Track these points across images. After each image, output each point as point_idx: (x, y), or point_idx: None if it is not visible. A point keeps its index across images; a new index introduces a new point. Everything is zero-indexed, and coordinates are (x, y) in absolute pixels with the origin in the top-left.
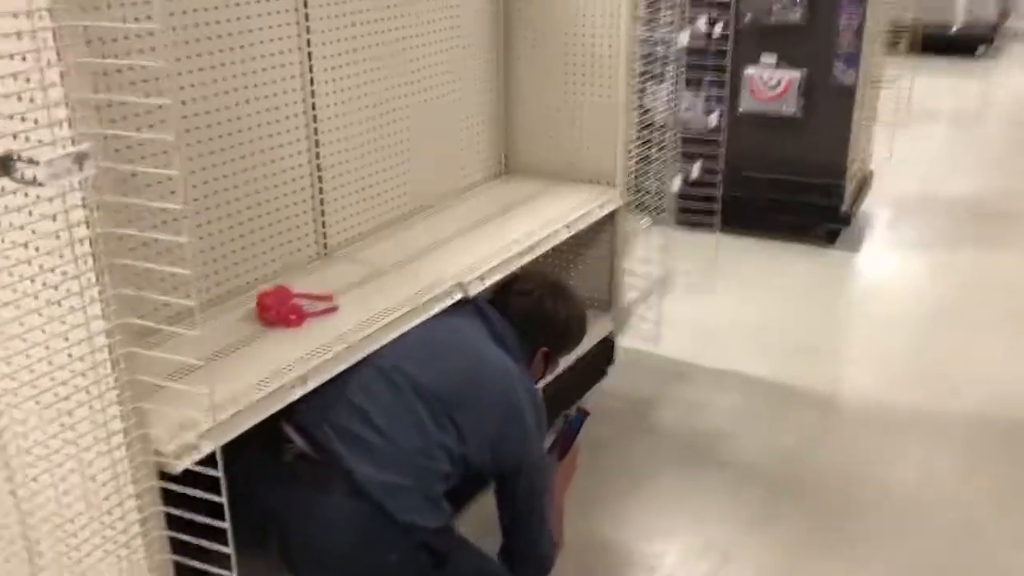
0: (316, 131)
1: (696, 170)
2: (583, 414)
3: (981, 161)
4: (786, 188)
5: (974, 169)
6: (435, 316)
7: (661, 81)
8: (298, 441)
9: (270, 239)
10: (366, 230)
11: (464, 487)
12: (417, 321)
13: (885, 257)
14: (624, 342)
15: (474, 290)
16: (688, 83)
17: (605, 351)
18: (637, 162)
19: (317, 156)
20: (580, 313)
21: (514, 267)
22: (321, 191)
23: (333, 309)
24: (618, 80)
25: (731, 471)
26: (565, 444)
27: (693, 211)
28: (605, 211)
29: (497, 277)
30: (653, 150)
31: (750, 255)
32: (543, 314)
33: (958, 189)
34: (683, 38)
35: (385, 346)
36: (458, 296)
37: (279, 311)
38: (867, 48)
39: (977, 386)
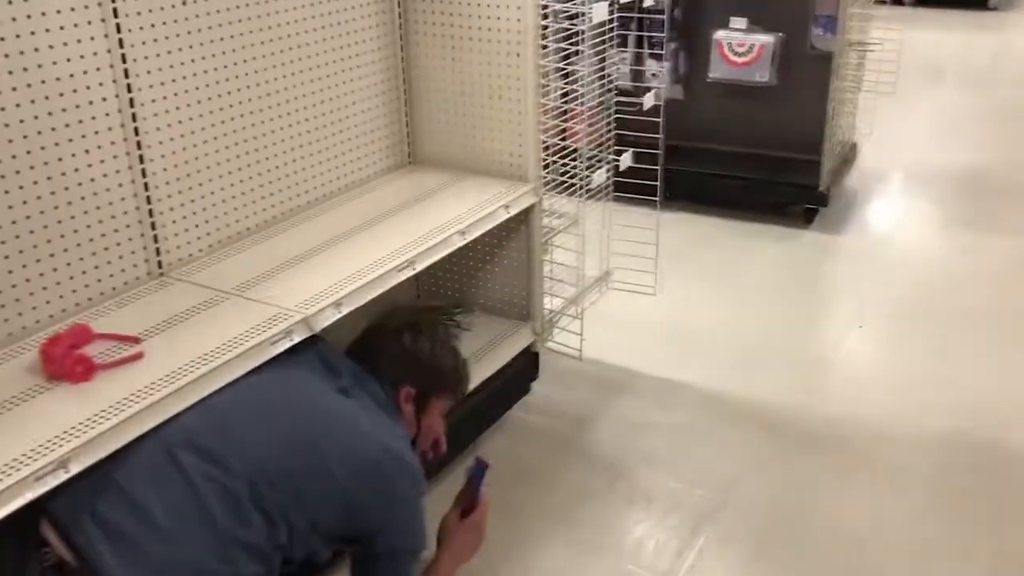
0: (136, 128)
1: (627, 160)
2: (483, 466)
3: (985, 129)
4: (758, 164)
5: (976, 139)
6: (266, 367)
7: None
8: (55, 543)
9: (77, 262)
10: (217, 241)
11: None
12: (239, 372)
13: (863, 241)
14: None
15: (324, 322)
16: (653, 50)
17: (527, 364)
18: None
19: (140, 159)
20: (449, 344)
21: (390, 284)
22: (149, 200)
23: (137, 356)
24: (526, 61)
25: (662, 504)
26: (467, 503)
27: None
28: (511, 212)
29: (366, 298)
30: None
31: (715, 239)
32: (402, 348)
33: (955, 162)
34: (601, 9)
35: (186, 412)
36: (302, 336)
37: (62, 362)
38: (848, 9)
39: (950, 406)
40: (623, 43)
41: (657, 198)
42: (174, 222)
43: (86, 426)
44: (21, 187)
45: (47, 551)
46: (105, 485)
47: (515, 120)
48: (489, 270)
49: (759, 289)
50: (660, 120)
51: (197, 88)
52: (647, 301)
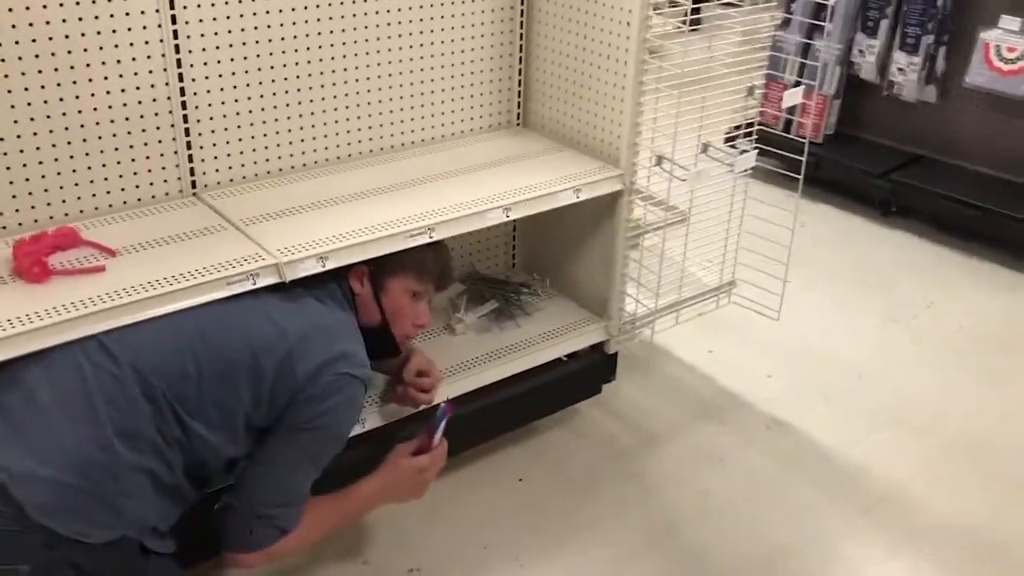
0: (177, 45)
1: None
2: (445, 411)
3: None
4: (1006, 192)
5: None
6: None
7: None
8: None
9: (114, 166)
10: (266, 171)
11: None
12: (183, 304)
13: None
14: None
15: (300, 272)
16: (906, 41)
17: (599, 363)
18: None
19: (180, 77)
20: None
21: (396, 247)
22: (186, 119)
23: (98, 269)
24: (630, 34)
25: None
26: (421, 443)
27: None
28: (581, 196)
29: (358, 256)
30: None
31: (923, 268)
32: None
33: None
34: None
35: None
36: (268, 281)
37: (22, 261)
38: None
39: None
40: (873, 30)
41: (793, 208)
42: (214, 145)
43: (7, 326)
44: (59, 84)
45: None
46: (10, 372)
47: (613, 99)
48: (578, 255)
49: (952, 343)
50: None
51: (252, 14)
52: (794, 321)
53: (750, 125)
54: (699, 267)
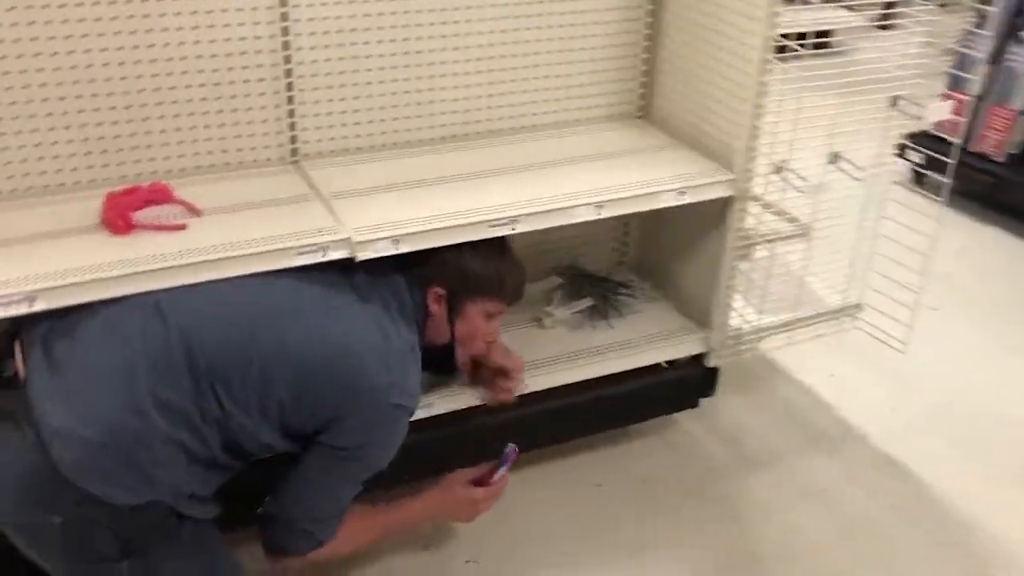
0: (286, 13)
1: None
2: (510, 454)
3: None
4: None
5: None
6: (282, 272)
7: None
8: (17, 358)
9: (216, 128)
10: (369, 145)
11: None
12: (248, 270)
13: None
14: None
15: (372, 252)
16: None
17: (697, 375)
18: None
19: (286, 43)
20: (500, 251)
21: (475, 236)
22: (291, 85)
23: (179, 227)
24: (754, 30)
25: None
26: (482, 476)
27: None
28: (686, 199)
29: (431, 243)
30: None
31: None
32: (438, 253)
33: None
34: None
35: (180, 289)
36: (338, 255)
37: (109, 213)
38: None
39: None
40: None
41: (931, 229)
42: (316, 115)
43: (79, 272)
44: (166, 44)
45: (8, 362)
46: (72, 321)
47: (734, 98)
48: (685, 260)
49: None
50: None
51: None
52: (932, 354)
53: (916, 136)
54: (822, 285)
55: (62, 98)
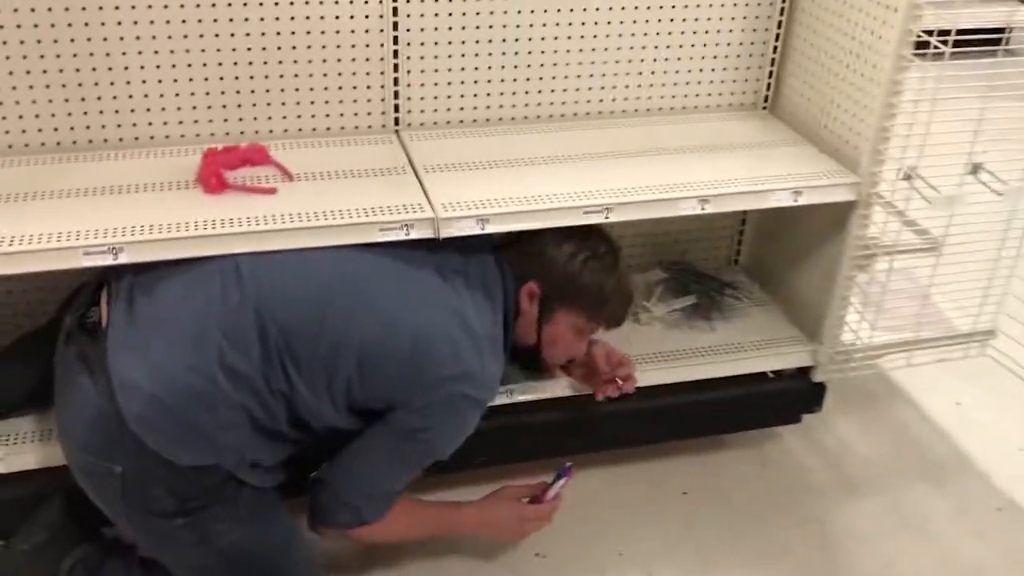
0: None
1: None
2: (565, 473)
3: None
4: None
5: None
6: (367, 246)
7: None
8: (102, 306)
9: (321, 91)
10: (472, 120)
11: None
12: (329, 242)
13: None
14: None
15: (456, 231)
16: None
17: (801, 389)
18: None
19: (395, 8)
20: (610, 266)
21: (557, 222)
22: (396, 53)
23: (269, 191)
24: (894, 31)
25: None
26: (537, 494)
27: None
28: (800, 200)
29: (518, 224)
30: None
31: None
32: (542, 248)
33: None
34: None
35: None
36: (421, 234)
37: (204, 171)
38: None
39: None
40: None
41: None
42: (422, 85)
43: (165, 228)
44: (277, 18)
45: (95, 309)
46: (155, 276)
47: (865, 94)
48: (800, 264)
49: None
50: None
51: None
52: None
53: None
54: (951, 306)
55: (172, 51)
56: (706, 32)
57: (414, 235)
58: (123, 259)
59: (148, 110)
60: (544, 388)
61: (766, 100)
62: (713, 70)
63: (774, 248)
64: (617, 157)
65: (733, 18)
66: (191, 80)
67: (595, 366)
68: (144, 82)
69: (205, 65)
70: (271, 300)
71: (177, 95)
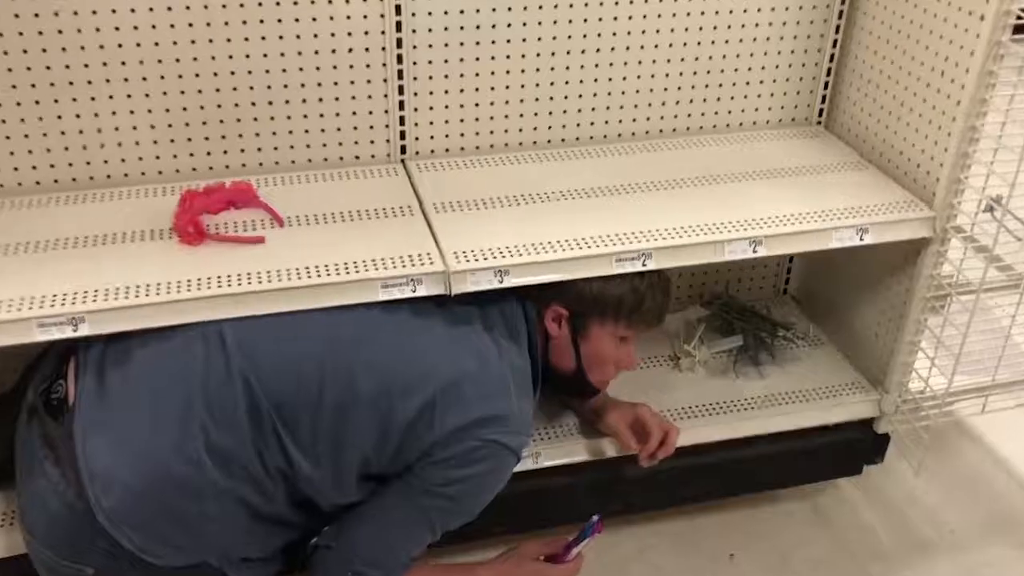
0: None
1: None
2: (592, 527)
3: None
4: None
5: None
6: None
7: None
8: (70, 382)
9: (317, 119)
10: (492, 143)
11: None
12: (332, 302)
13: None
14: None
15: (471, 286)
16: None
17: (862, 439)
18: None
19: (398, 23)
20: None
21: (588, 272)
22: (401, 73)
23: (256, 240)
24: (980, 41)
25: None
26: (559, 550)
27: None
28: (866, 239)
29: (542, 276)
30: None
31: None
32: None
33: None
34: None
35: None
36: (431, 291)
37: (183, 217)
38: None
39: None
40: None
41: None
42: (431, 108)
43: (133, 292)
44: (281, 36)
45: (61, 383)
46: (128, 345)
47: (942, 114)
48: (862, 301)
49: None
50: None
51: None
52: None
53: None
54: None
55: (144, 77)
56: (753, 40)
57: (422, 292)
58: (84, 331)
59: (120, 144)
60: (574, 450)
61: (820, 115)
62: (762, 82)
63: (830, 278)
64: (653, 188)
65: (784, 23)
66: (167, 111)
67: (645, 426)
68: (114, 113)
69: (183, 93)
70: (261, 368)
71: (153, 127)
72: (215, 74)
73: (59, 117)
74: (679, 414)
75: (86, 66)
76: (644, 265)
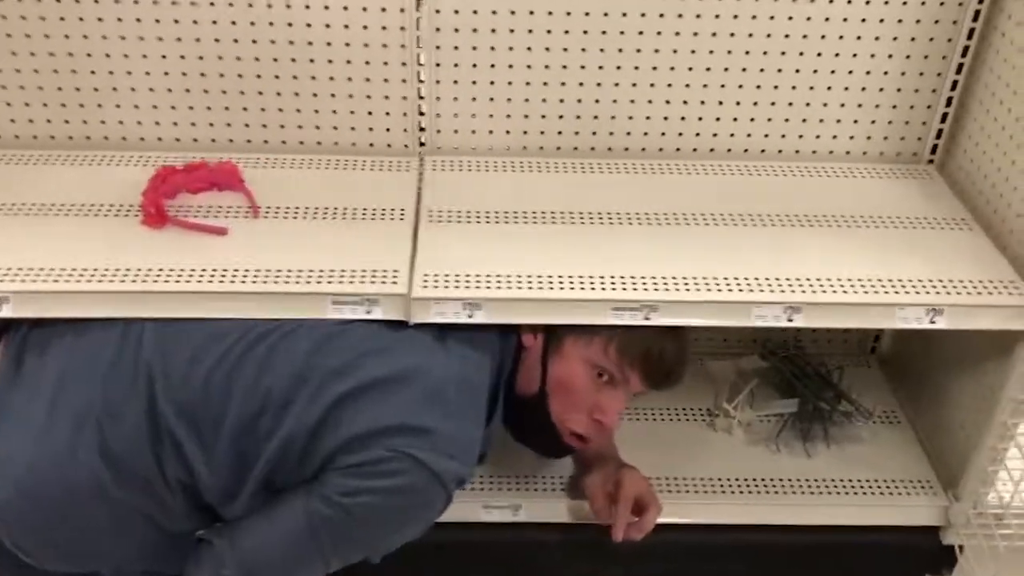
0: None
1: None
2: None
3: None
4: None
5: None
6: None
7: None
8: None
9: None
10: (525, 144)
11: None
12: (275, 314)
13: None
14: None
15: (435, 316)
16: None
17: (928, 549)
18: None
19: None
20: None
21: (593, 319)
22: (419, 57)
23: (219, 231)
24: None
25: None
26: None
27: None
28: (939, 324)
29: (526, 317)
30: None
31: None
32: None
33: None
34: None
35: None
36: (387, 315)
37: (148, 196)
38: None
39: None
40: None
41: None
42: (455, 99)
43: (64, 276)
44: (290, 24)
45: None
46: (55, 328)
47: None
48: (947, 386)
49: None
50: None
51: None
52: None
53: None
54: None
55: (160, 37)
56: (853, 55)
57: (377, 315)
58: (6, 312)
59: (118, 106)
60: (558, 509)
61: (933, 152)
62: (860, 105)
63: (927, 346)
64: (692, 220)
65: (895, 37)
66: (184, 74)
67: (620, 495)
68: (129, 73)
69: (202, 58)
70: (171, 368)
71: (170, 90)
72: (235, 40)
73: (73, 71)
74: (704, 484)
75: (100, 20)
76: (647, 319)
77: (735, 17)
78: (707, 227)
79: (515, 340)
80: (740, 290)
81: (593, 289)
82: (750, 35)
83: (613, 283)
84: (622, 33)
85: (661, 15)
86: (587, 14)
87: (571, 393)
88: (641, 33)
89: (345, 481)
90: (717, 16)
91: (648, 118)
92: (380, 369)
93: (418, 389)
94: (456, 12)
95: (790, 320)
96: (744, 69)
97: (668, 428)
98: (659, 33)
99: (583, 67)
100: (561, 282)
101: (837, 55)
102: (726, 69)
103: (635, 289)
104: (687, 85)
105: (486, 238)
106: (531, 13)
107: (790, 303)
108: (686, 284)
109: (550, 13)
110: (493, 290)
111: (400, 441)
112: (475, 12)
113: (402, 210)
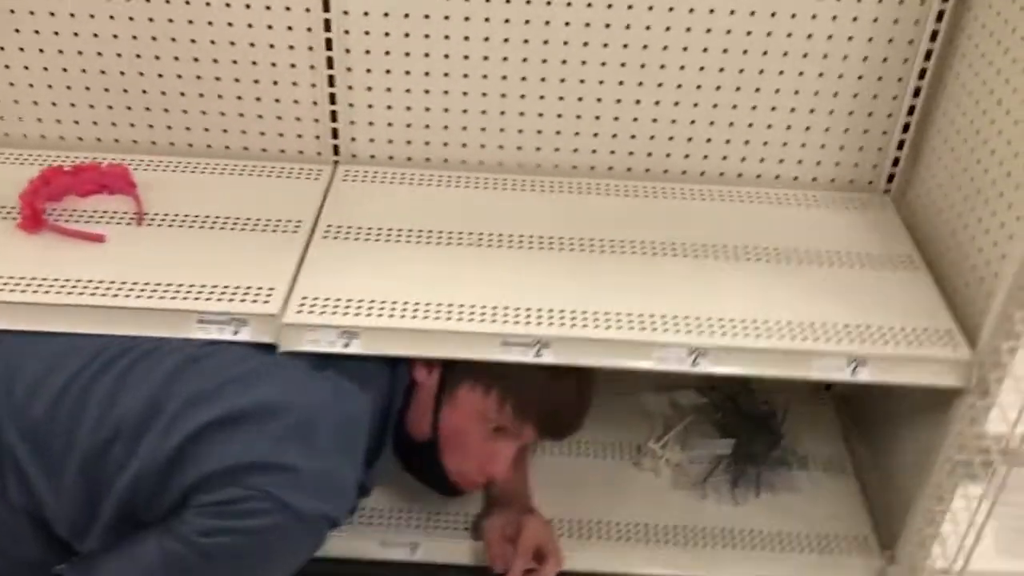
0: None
1: None
2: None
3: None
4: None
5: None
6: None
7: None
8: None
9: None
10: (445, 157)
11: None
12: (139, 332)
13: None
14: None
15: (307, 344)
16: None
17: None
18: None
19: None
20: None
21: (483, 354)
22: (330, 61)
23: (96, 238)
24: None
25: None
26: None
27: None
28: (858, 375)
29: (401, 351)
30: None
31: None
32: None
33: None
34: None
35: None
36: (257, 338)
37: (25, 198)
38: None
39: None
40: None
41: None
42: (370, 106)
43: None
44: (191, 21)
45: None
46: None
47: (1009, 215)
48: (892, 438)
49: None
50: None
51: None
52: None
53: None
54: None
55: (56, 32)
56: (799, 74)
57: (245, 337)
58: None
59: (17, 102)
60: (458, 550)
61: (890, 181)
62: (808, 128)
63: (880, 390)
64: (607, 249)
65: (845, 56)
66: (84, 71)
67: (519, 545)
68: (26, 68)
69: (100, 54)
70: (13, 391)
71: (69, 88)
72: (134, 37)
73: None
74: (623, 530)
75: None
76: (539, 356)
77: (667, 29)
78: (622, 255)
79: (407, 373)
80: (642, 328)
81: (483, 321)
82: (684, 48)
83: (505, 315)
84: (546, 43)
85: (587, 24)
86: (507, 21)
87: (463, 446)
88: (566, 44)
89: (202, 521)
90: (648, 28)
91: (577, 134)
92: (243, 399)
93: (284, 423)
94: (365, 14)
95: (695, 364)
96: (679, 85)
97: (591, 465)
98: (586, 44)
99: (504, 77)
100: (449, 312)
101: (781, 73)
102: (660, 84)
103: (527, 323)
104: (618, 100)
105: (379, 259)
106: (446, 18)
107: (694, 346)
108: (584, 319)
109: (467, 19)
110: (373, 318)
111: (262, 480)
112: (386, 15)
113: (298, 222)
